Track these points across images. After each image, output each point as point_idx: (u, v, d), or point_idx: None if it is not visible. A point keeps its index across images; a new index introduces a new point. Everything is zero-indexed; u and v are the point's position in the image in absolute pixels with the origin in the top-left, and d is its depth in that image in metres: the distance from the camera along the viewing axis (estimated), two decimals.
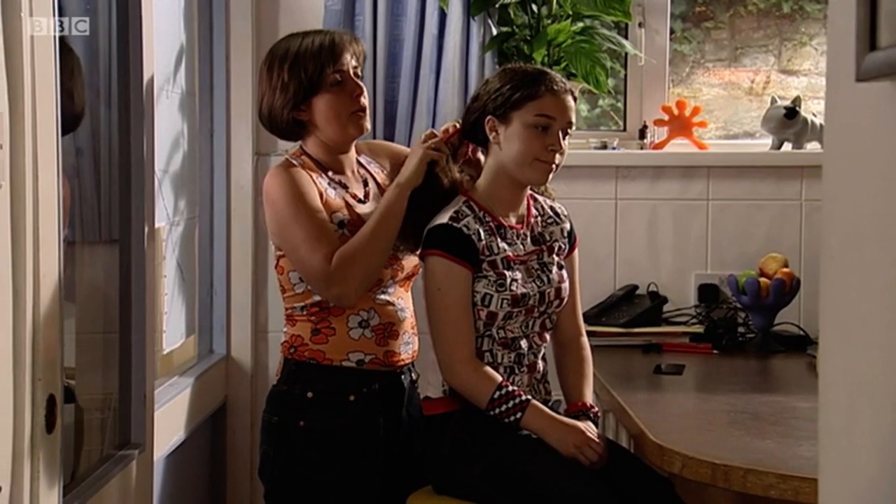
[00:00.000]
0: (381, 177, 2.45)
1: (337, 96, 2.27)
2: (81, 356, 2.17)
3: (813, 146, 3.29)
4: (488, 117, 2.27)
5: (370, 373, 2.29)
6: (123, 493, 2.07)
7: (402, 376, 2.35)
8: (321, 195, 2.25)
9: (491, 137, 2.29)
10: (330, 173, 2.32)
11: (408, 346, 2.35)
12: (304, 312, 2.28)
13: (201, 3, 3.06)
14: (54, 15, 1.60)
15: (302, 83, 2.25)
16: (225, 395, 3.19)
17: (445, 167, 2.30)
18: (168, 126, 2.72)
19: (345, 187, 2.33)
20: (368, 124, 2.34)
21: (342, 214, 2.27)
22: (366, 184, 2.40)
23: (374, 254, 2.20)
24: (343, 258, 2.18)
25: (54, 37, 1.60)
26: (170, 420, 2.61)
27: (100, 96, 2.23)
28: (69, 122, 2.03)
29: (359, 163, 2.42)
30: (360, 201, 2.34)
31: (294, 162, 2.29)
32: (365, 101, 2.32)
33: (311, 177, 2.26)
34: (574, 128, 2.31)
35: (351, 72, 2.30)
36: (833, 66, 1.06)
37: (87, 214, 2.21)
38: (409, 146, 3.04)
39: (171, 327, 2.78)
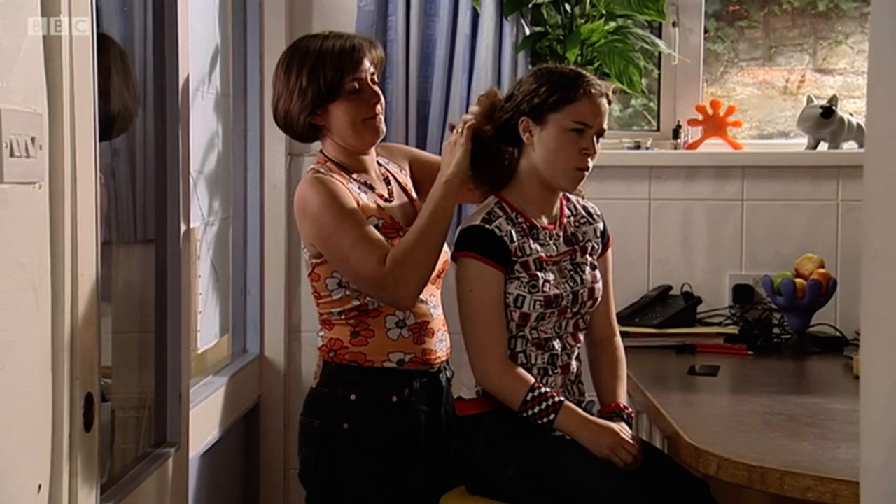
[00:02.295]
0: (401, 177, 2.46)
1: (354, 104, 2.27)
2: (117, 355, 2.19)
3: (849, 146, 3.27)
4: (522, 118, 2.26)
5: (410, 372, 2.29)
6: (159, 490, 2.09)
7: (440, 374, 2.36)
8: (357, 201, 2.25)
9: (524, 138, 2.28)
10: (355, 175, 2.32)
11: (442, 343, 2.36)
12: (342, 317, 2.28)
13: (235, 5, 3.08)
14: (93, 15, 1.61)
15: (320, 89, 2.25)
16: (258, 394, 3.21)
17: (487, 136, 2.29)
18: (203, 127, 2.73)
19: (371, 188, 2.34)
20: (384, 127, 2.33)
21: (376, 218, 2.27)
22: (388, 182, 2.40)
23: (427, 254, 2.19)
24: (396, 261, 2.16)
25: (92, 37, 1.61)
26: (204, 419, 2.63)
27: (136, 97, 2.24)
28: (122, 116, 2.06)
29: (377, 163, 2.43)
30: (386, 200, 2.35)
31: (321, 170, 2.29)
32: (381, 107, 2.31)
33: (342, 183, 2.26)
34: (606, 126, 2.30)
35: (368, 79, 2.29)
36: (875, 64, 1.05)
37: (123, 215, 2.23)
38: (441, 147, 3.05)
39: (206, 327, 2.80)
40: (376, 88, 2.31)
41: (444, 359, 2.37)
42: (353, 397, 2.27)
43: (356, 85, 2.27)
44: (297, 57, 2.28)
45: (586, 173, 2.26)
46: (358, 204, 2.24)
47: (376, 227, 2.25)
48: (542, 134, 2.25)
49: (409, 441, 2.28)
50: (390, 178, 2.42)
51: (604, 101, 2.25)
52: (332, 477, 2.27)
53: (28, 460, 1.45)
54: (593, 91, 2.23)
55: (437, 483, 2.33)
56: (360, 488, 2.26)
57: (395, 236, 2.27)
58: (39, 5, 1.46)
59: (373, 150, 2.39)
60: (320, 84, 2.24)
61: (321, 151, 2.36)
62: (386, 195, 2.36)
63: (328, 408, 2.28)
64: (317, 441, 2.29)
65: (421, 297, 2.29)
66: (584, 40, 3.04)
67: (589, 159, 2.24)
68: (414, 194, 2.44)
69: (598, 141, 2.26)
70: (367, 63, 2.29)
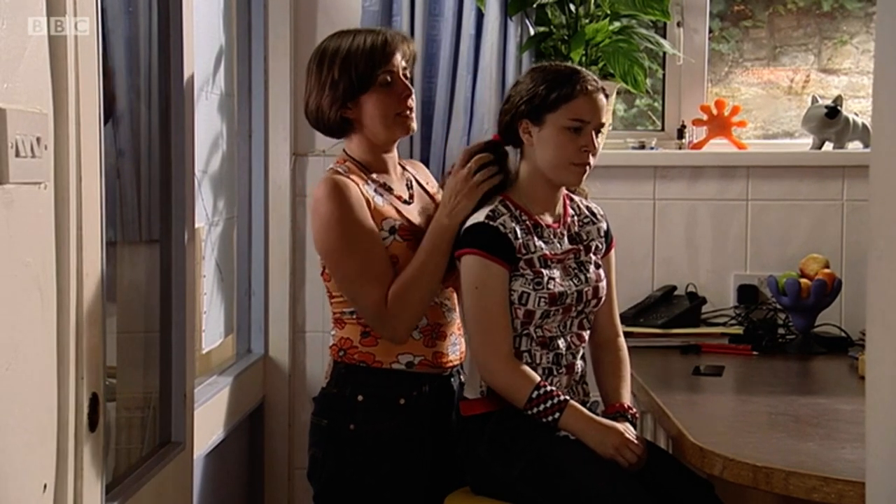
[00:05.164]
0: (423, 178, 2.46)
1: (386, 96, 2.27)
2: (122, 355, 2.19)
3: (854, 146, 3.27)
4: (521, 120, 2.26)
5: (419, 375, 2.29)
6: (164, 490, 2.09)
7: (452, 379, 2.35)
8: (369, 203, 2.24)
9: (524, 139, 2.28)
10: (374, 175, 2.32)
11: (455, 346, 2.36)
12: (354, 316, 2.28)
13: (240, 5, 3.08)
14: (97, 16, 1.61)
15: (352, 81, 2.25)
16: (263, 394, 3.21)
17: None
18: (207, 127, 2.74)
19: (390, 190, 2.33)
20: (415, 125, 2.34)
21: (392, 220, 2.27)
22: (409, 185, 2.40)
23: (424, 291, 2.21)
24: (396, 300, 2.19)
25: (97, 37, 1.62)
26: (209, 419, 2.63)
27: (140, 97, 2.25)
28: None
29: (402, 167, 2.43)
30: (405, 202, 2.34)
31: (340, 170, 2.28)
32: (412, 102, 2.31)
33: (358, 187, 2.25)
34: (610, 126, 2.30)
35: (400, 72, 2.29)
36: (881, 64, 1.05)
37: (128, 214, 2.23)
38: (445, 147, 3.05)
39: (210, 327, 2.80)
40: (408, 83, 2.31)
41: (456, 363, 2.37)
42: (360, 398, 2.27)
43: (388, 77, 2.27)
44: (328, 52, 2.28)
45: (588, 168, 2.26)
46: (370, 205, 2.24)
47: (392, 228, 2.25)
48: (540, 134, 2.25)
49: (415, 444, 2.28)
50: (412, 181, 2.42)
51: (600, 95, 2.24)
52: (338, 477, 2.27)
53: (33, 460, 1.45)
54: (589, 87, 2.23)
55: (444, 486, 2.32)
56: (366, 489, 2.26)
57: (412, 239, 2.27)
58: (45, 5, 1.46)
59: (395, 150, 2.38)
60: (352, 75, 2.25)
61: (343, 150, 2.35)
62: (406, 197, 2.35)
63: (336, 408, 2.29)
64: (324, 441, 2.29)
65: (435, 299, 2.29)
66: (589, 40, 3.04)
67: (589, 156, 2.24)
68: (439, 198, 2.45)
69: (598, 136, 2.25)
70: (398, 56, 2.29)
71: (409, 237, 2.27)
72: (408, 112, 2.30)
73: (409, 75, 2.32)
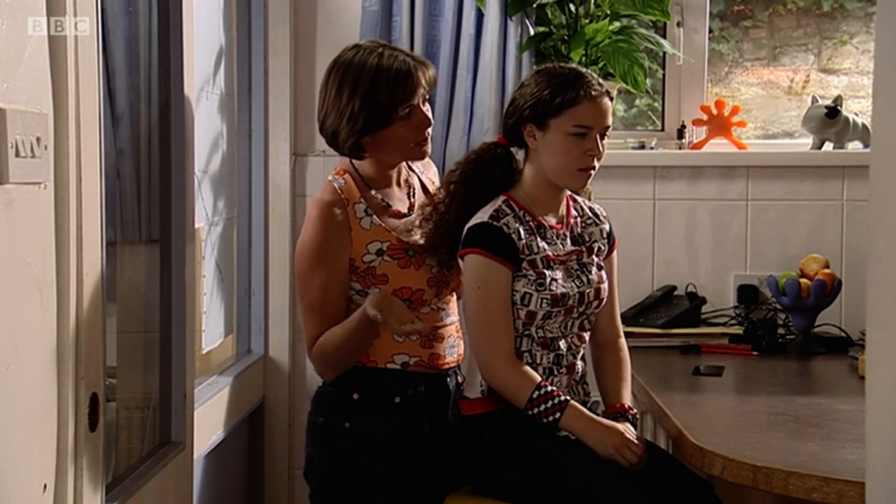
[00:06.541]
0: (428, 177, 2.46)
1: (405, 129, 2.24)
2: (122, 355, 2.19)
3: (854, 146, 3.27)
4: (526, 124, 2.26)
5: (415, 375, 2.29)
6: (164, 490, 2.09)
7: (448, 379, 2.35)
8: (352, 229, 2.24)
9: (529, 143, 2.28)
10: (373, 191, 2.31)
11: (452, 349, 2.36)
12: None
13: (240, 5, 3.08)
14: (97, 16, 1.61)
15: (373, 115, 2.20)
16: (263, 394, 3.21)
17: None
18: (207, 127, 2.74)
19: (387, 207, 2.32)
20: (430, 148, 2.31)
21: (380, 242, 2.26)
22: (411, 193, 2.39)
23: (348, 353, 2.26)
24: (318, 350, 2.26)
25: (97, 37, 1.62)
26: (209, 419, 2.63)
27: (140, 97, 2.25)
28: None
29: (410, 168, 2.42)
30: (404, 215, 2.33)
31: (336, 185, 2.27)
32: (430, 130, 2.28)
33: (346, 211, 2.24)
34: (610, 127, 2.29)
35: (421, 104, 2.26)
36: (881, 64, 1.05)
37: (128, 215, 2.23)
38: (445, 147, 3.05)
39: (210, 327, 2.80)
40: (426, 111, 2.27)
41: (453, 364, 2.37)
42: (355, 396, 2.27)
43: (408, 111, 2.23)
44: (350, 76, 2.21)
45: (592, 172, 2.26)
46: (352, 231, 2.23)
47: (379, 250, 2.25)
48: (545, 139, 2.24)
49: (411, 442, 2.28)
50: (415, 186, 2.41)
51: (605, 99, 2.24)
52: (335, 475, 2.27)
53: (33, 460, 1.45)
54: (593, 92, 2.22)
55: (443, 486, 2.32)
56: (361, 487, 2.26)
57: (403, 256, 2.27)
58: (45, 5, 1.46)
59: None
60: (373, 111, 2.20)
61: (350, 161, 2.32)
62: (404, 210, 2.35)
63: (331, 406, 2.29)
64: (320, 439, 2.30)
65: (433, 305, 2.31)
66: (589, 40, 3.04)
67: (594, 160, 2.24)
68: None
69: (603, 139, 2.25)
70: (421, 90, 2.24)
71: (400, 255, 2.27)
72: (425, 140, 2.28)
73: (427, 97, 2.29)
